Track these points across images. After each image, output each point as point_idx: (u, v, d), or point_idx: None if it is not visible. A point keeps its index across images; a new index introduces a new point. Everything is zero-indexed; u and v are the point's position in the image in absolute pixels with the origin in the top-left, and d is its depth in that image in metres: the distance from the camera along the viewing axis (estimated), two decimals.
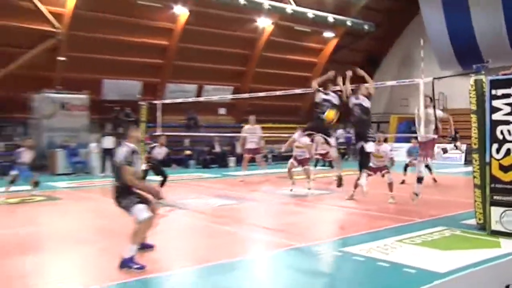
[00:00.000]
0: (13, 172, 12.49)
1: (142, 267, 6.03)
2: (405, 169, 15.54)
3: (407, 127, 26.33)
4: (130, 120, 22.91)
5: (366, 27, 27.68)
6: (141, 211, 6.25)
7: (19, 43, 20.23)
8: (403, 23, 30.98)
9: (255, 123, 16.81)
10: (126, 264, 6.06)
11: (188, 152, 22.75)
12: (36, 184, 12.71)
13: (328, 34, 28.64)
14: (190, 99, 20.41)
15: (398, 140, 26.65)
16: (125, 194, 6.40)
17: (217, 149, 23.08)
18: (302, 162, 13.46)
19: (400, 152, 26.39)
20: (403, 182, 14.71)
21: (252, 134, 16.45)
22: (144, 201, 6.42)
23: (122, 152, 6.42)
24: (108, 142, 19.06)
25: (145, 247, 6.72)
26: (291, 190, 13.21)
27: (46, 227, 9.03)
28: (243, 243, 7.80)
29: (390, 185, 11.29)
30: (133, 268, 6.01)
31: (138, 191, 6.45)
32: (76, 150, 19.86)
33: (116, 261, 6.18)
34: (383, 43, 32.03)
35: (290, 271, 6.17)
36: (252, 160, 16.90)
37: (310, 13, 24.65)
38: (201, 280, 5.86)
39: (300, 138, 13.24)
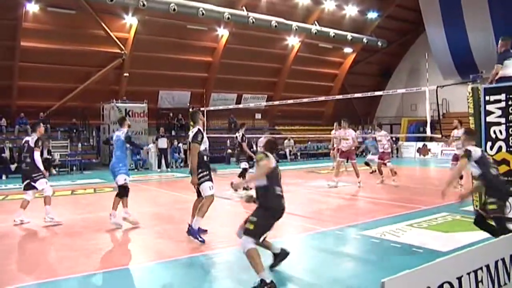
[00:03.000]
0: None
1: (203, 241, 6.29)
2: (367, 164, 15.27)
3: (416, 128, 25.94)
4: (181, 124, 23.39)
5: (379, 43, 27.40)
6: (209, 187, 6.39)
7: (93, 63, 21.05)
8: (411, 40, 30.55)
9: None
10: (192, 233, 6.30)
11: (230, 150, 22.88)
12: None
13: (347, 49, 28.46)
14: (230, 106, 20.56)
15: (409, 139, 26.30)
16: (201, 167, 6.39)
17: (255, 148, 23.11)
18: (348, 155, 12.58)
19: (409, 149, 26.10)
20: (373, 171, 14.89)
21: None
22: (211, 179, 6.47)
23: (193, 133, 6.44)
24: (163, 142, 19.41)
25: (200, 231, 6.58)
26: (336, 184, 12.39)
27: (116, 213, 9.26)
28: (278, 227, 7.84)
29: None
30: (198, 239, 6.25)
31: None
32: (137, 150, 20.25)
33: (171, 242, 6.37)
34: (394, 57, 31.64)
35: (315, 251, 6.21)
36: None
37: (332, 32, 24.58)
38: (240, 259, 5.94)
39: (342, 132, 12.74)
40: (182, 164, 20.34)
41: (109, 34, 20.46)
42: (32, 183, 7.92)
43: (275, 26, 22.23)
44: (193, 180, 6.44)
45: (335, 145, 13.93)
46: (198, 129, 6.52)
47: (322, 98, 15.58)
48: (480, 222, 5.44)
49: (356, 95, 13.38)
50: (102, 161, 20.98)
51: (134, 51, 21.37)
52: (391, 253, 5.82)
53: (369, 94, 13.22)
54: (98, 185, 13.75)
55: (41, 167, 8.01)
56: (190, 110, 12.97)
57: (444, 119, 25.52)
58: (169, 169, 19.36)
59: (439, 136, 10.50)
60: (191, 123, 6.86)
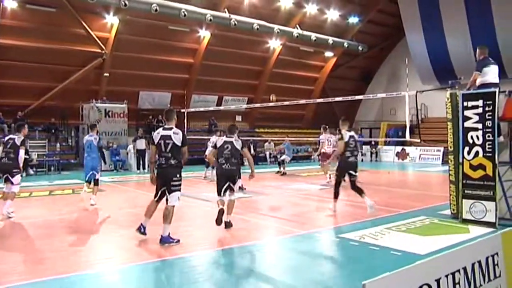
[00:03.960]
0: None
1: (178, 241, 6.39)
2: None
3: (395, 132, 26.27)
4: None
5: (360, 48, 27.74)
6: (177, 197, 6.46)
7: (73, 63, 20.70)
8: (391, 45, 30.95)
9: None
10: (165, 240, 6.33)
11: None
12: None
13: (328, 53, 28.69)
14: (211, 108, 20.52)
15: (387, 143, 26.64)
16: (180, 174, 6.44)
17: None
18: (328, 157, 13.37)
19: (388, 153, 26.45)
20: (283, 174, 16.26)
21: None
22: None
23: (180, 135, 6.38)
24: (141, 144, 19.21)
25: (145, 231, 6.62)
26: (328, 183, 13.30)
27: (93, 213, 9.14)
28: (257, 229, 7.84)
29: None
30: (173, 242, 6.33)
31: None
32: (117, 150, 20.06)
33: (148, 244, 6.32)
34: (374, 61, 32.02)
35: (294, 253, 6.19)
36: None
37: (313, 36, 24.74)
38: (219, 260, 5.92)
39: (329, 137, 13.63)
40: None
41: (90, 33, 20.16)
42: (9, 177, 8.40)
43: (257, 28, 22.26)
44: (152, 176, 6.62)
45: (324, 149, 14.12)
46: (182, 131, 6.57)
47: (303, 101, 15.69)
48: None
49: (337, 98, 13.57)
50: (81, 161, 20.58)
51: (115, 51, 21.11)
52: (370, 256, 5.84)
53: (349, 98, 13.39)
54: (76, 185, 13.49)
55: (21, 165, 8.59)
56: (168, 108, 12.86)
57: (423, 124, 25.97)
58: (146, 170, 19.15)
59: (418, 140, 10.68)
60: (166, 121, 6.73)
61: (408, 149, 25.53)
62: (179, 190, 6.48)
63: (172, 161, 6.37)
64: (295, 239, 6.90)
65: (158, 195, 6.58)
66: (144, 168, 19.11)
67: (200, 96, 25.52)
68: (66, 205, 9.90)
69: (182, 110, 17.90)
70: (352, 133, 8.93)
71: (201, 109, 19.24)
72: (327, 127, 14.21)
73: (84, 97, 21.00)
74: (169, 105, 23.12)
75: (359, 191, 8.61)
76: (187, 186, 13.92)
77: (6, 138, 8.67)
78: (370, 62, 31.92)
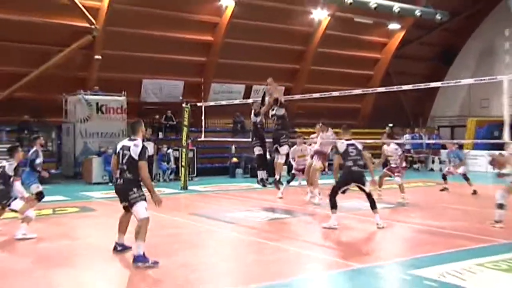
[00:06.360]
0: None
1: (155, 262, 7.04)
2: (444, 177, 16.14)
3: (488, 131, 25.43)
4: (171, 124, 23.34)
5: (438, 17, 27.05)
6: (144, 208, 7.29)
7: (52, 41, 20.96)
8: (483, 11, 30.12)
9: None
10: (139, 260, 7.02)
11: (234, 159, 22.79)
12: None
13: (393, 26, 28.32)
14: (236, 101, 20.46)
15: (477, 146, 25.78)
16: (138, 187, 7.39)
17: (267, 156, 22.94)
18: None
19: (479, 161, 25.71)
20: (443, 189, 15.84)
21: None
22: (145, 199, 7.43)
23: (138, 148, 7.37)
24: (149, 148, 19.30)
25: (124, 248, 7.76)
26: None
27: (82, 241, 9.26)
28: (294, 261, 7.74)
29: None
30: (149, 263, 6.98)
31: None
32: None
33: (152, 280, 6.42)
34: (458, 35, 31.38)
35: None
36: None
37: (373, 2, 24.34)
38: None
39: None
40: (172, 177, 20.30)
41: (75, 2, 20.41)
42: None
43: None
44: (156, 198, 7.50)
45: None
46: (143, 144, 7.55)
47: (359, 91, 15.45)
48: None
49: (405, 87, 13.28)
50: (64, 172, 21.00)
51: (108, 26, 21.39)
52: None
53: (422, 85, 13.12)
54: (58, 203, 13.69)
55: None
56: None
57: None
58: (154, 183, 19.24)
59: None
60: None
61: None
62: (143, 199, 7.37)
63: (128, 175, 7.42)
64: (349, 275, 6.80)
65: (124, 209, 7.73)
66: (152, 180, 19.22)
67: (222, 85, 25.64)
68: (44, 230, 9.97)
69: (198, 104, 17.93)
70: (352, 141, 10.34)
71: (223, 102, 19.19)
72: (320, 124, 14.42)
73: (69, 87, 21.28)
74: (181, 97, 23.31)
75: (373, 206, 10.00)
76: (206, 203, 14.02)
77: None
78: (452, 37, 31.37)
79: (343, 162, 10.06)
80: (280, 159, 12.50)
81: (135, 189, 7.34)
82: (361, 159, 10.16)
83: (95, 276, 6.93)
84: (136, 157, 7.32)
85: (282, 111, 12.44)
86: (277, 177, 12.50)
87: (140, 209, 7.29)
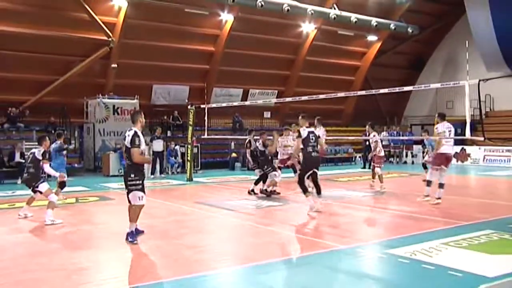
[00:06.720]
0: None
1: (136, 242, 7.30)
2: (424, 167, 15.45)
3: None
4: (178, 124, 23.35)
5: (410, 30, 27.01)
6: (137, 198, 7.36)
7: (75, 52, 20.99)
8: (447, 25, 30.26)
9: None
10: (128, 235, 7.40)
11: (234, 154, 22.81)
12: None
13: (371, 37, 28.33)
14: (235, 103, 20.48)
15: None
16: (135, 173, 7.41)
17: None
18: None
19: None
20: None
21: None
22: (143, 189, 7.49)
23: (130, 137, 7.37)
24: (158, 145, 19.33)
25: (138, 232, 7.70)
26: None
27: (102, 226, 9.29)
28: (286, 244, 7.77)
29: None
30: (134, 240, 7.31)
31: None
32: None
33: (163, 260, 6.39)
34: (427, 45, 31.46)
35: (332, 273, 6.10)
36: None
37: (353, 17, 24.29)
38: (245, 279, 5.88)
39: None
40: (179, 170, 20.30)
41: (94, 18, 20.38)
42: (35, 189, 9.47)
43: (287, 10, 22.08)
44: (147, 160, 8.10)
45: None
46: (135, 131, 7.42)
47: (342, 94, 15.41)
48: None
49: (382, 90, 13.35)
50: (86, 165, 21.02)
51: (123, 38, 21.37)
52: (423, 277, 5.69)
53: (397, 89, 13.19)
54: (80, 193, 13.73)
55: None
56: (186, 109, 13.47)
57: (487, 119, 25.28)
58: (163, 175, 19.31)
59: (481, 139, 10.36)
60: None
61: (469, 149, 24.89)
62: (139, 190, 7.39)
63: (127, 161, 7.52)
64: (333, 255, 6.81)
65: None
66: (161, 173, 19.27)
67: (222, 89, 25.60)
68: (69, 217, 10.01)
69: (202, 106, 17.94)
70: (312, 129, 10.47)
71: (224, 104, 19.21)
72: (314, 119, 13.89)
73: (89, 91, 21.30)
74: (186, 100, 23.26)
75: (318, 189, 10.12)
76: (209, 193, 14.07)
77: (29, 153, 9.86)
78: (421, 47, 31.38)
79: (304, 147, 9.97)
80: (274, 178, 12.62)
81: (133, 175, 7.38)
82: (317, 145, 10.24)
83: (113, 256, 6.92)
84: (129, 145, 7.35)
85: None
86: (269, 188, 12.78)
87: (133, 197, 7.39)
